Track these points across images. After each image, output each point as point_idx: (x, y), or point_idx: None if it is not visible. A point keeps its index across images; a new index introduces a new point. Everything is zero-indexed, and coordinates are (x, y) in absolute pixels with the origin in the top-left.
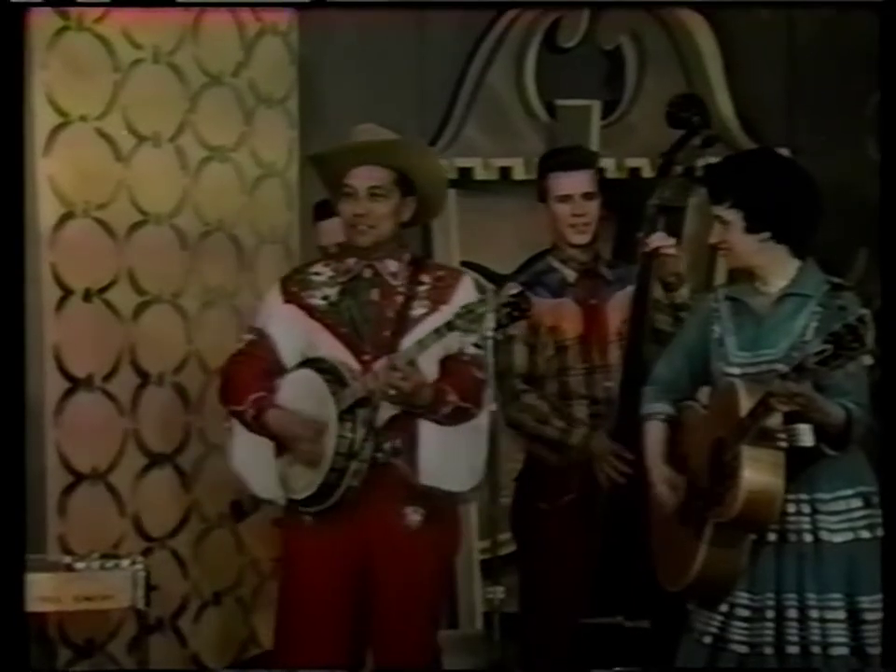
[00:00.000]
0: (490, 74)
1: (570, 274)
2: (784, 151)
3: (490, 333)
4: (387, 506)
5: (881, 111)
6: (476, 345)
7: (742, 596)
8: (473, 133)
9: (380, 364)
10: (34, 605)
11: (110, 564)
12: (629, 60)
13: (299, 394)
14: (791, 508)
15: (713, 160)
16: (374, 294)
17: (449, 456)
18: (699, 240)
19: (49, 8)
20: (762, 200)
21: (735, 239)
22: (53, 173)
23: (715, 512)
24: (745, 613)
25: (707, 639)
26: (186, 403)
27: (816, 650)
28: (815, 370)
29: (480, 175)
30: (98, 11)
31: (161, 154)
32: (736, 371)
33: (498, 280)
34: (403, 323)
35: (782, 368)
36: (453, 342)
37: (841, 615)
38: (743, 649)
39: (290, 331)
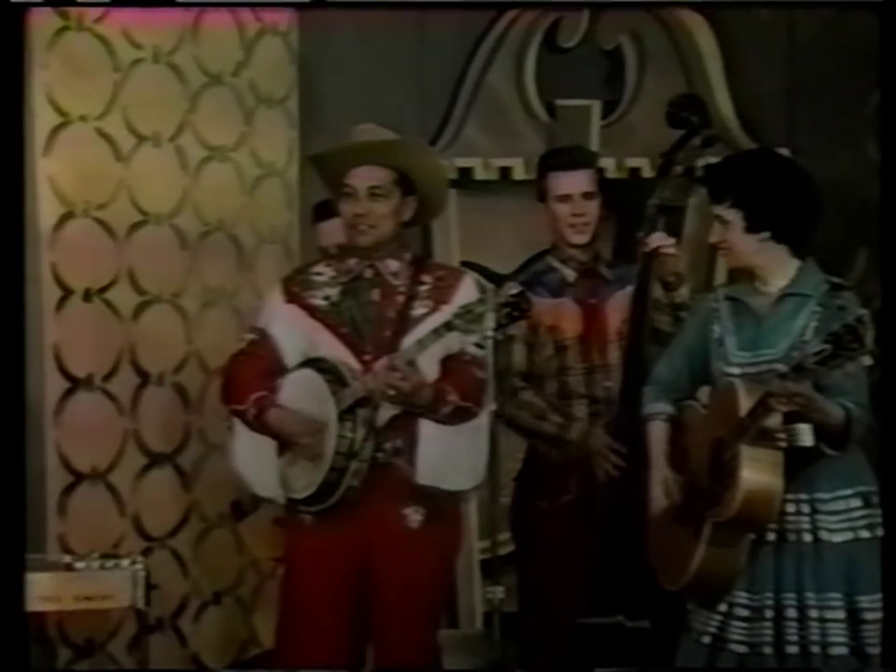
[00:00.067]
0: (490, 74)
1: (570, 274)
2: (784, 151)
3: (490, 333)
4: (388, 506)
5: (881, 111)
6: (477, 345)
7: (741, 596)
8: (473, 132)
9: (380, 364)
10: (34, 604)
11: (110, 563)
12: (629, 60)
13: (299, 394)
14: (791, 507)
15: (713, 159)
16: (375, 294)
17: (449, 456)
18: (699, 240)
19: (48, 8)
20: (762, 200)
21: (735, 239)
22: (53, 173)
23: (714, 512)
24: (744, 613)
25: (707, 639)
26: (186, 403)
27: (815, 649)
28: (814, 370)
29: (480, 174)
30: (98, 11)
31: (161, 154)
32: (736, 370)
33: (498, 280)
34: (404, 323)
35: (782, 368)
36: (453, 341)
37: (840, 615)
38: (742, 648)
39: (291, 331)
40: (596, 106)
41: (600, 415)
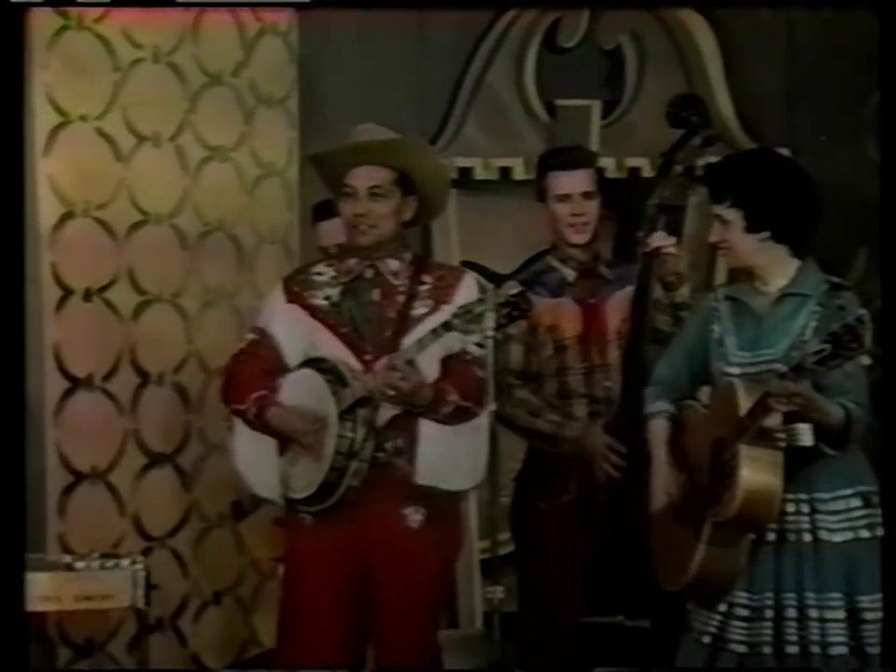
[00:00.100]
0: (490, 74)
1: (570, 274)
2: (784, 151)
3: (491, 333)
4: (388, 506)
5: (881, 111)
6: (478, 345)
7: (741, 596)
8: (473, 132)
9: (380, 364)
10: (34, 604)
11: (110, 563)
12: (629, 60)
13: (299, 393)
14: (791, 507)
15: (713, 159)
16: (375, 294)
17: (449, 456)
18: (699, 239)
19: (48, 8)
20: (762, 199)
21: (735, 238)
22: (53, 172)
23: (714, 512)
24: (744, 613)
25: (707, 639)
26: (186, 403)
27: (815, 649)
28: (813, 369)
29: (480, 174)
30: (98, 11)
31: (161, 154)
32: (736, 370)
33: (498, 280)
34: (404, 323)
35: (781, 368)
36: (454, 341)
37: (840, 615)
38: (742, 648)
39: (292, 331)
40: (596, 106)
41: (600, 415)
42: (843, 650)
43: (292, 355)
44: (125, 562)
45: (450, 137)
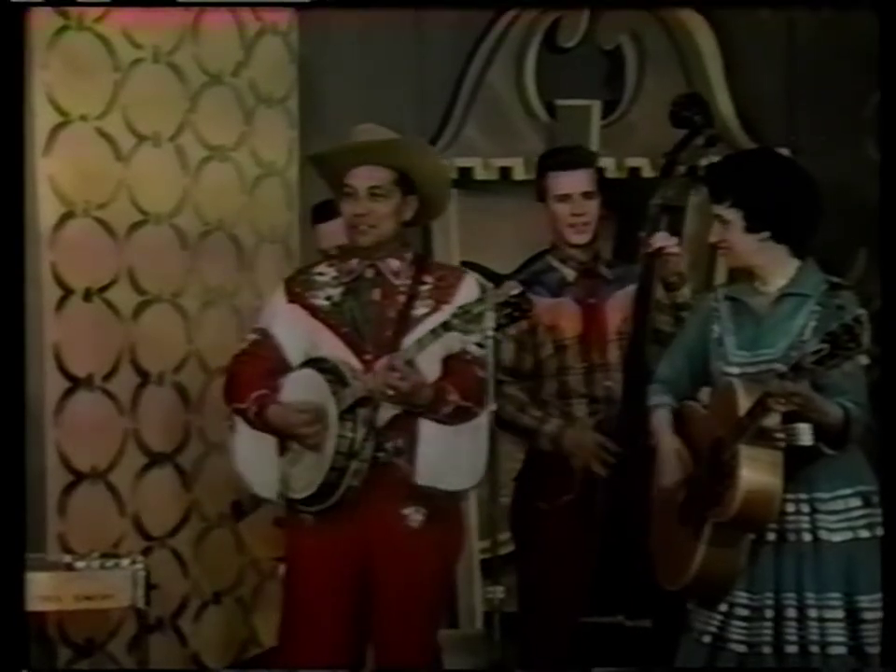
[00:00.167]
0: (490, 73)
1: (570, 274)
2: (784, 151)
3: (491, 333)
4: (389, 506)
5: (881, 111)
6: (478, 345)
7: (741, 596)
8: (473, 132)
9: (379, 364)
10: (34, 604)
11: (110, 563)
12: (629, 60)
13: (300, 393)
14: (790, 507)
15: (716, 159)
16: (376, 294)
17: (449, 456)
18: (699, 239)
19: (49, 8)
20: (761, 199)
21: (735, 238)
22: (53, 172)
23: (714, 512)
24: (744, 613)
25: (707, 639)
26: (186, 403)
27: (814, 649)
28: (812, 369)
29: (480, 174)
30: (98, 11)
31: (161, 154)
32: (736, 370)
33: (498, 280)
34: (405, 322)
35: (781, 367)
36: (454, 341)
37: (840, 614)
38: (742, 648)
39: (294, 331)
40: (596, 106)
41: (600, 415)
42: (842, 649)
43: (293, 355)
44: (125, 562)
45: (450, 137)
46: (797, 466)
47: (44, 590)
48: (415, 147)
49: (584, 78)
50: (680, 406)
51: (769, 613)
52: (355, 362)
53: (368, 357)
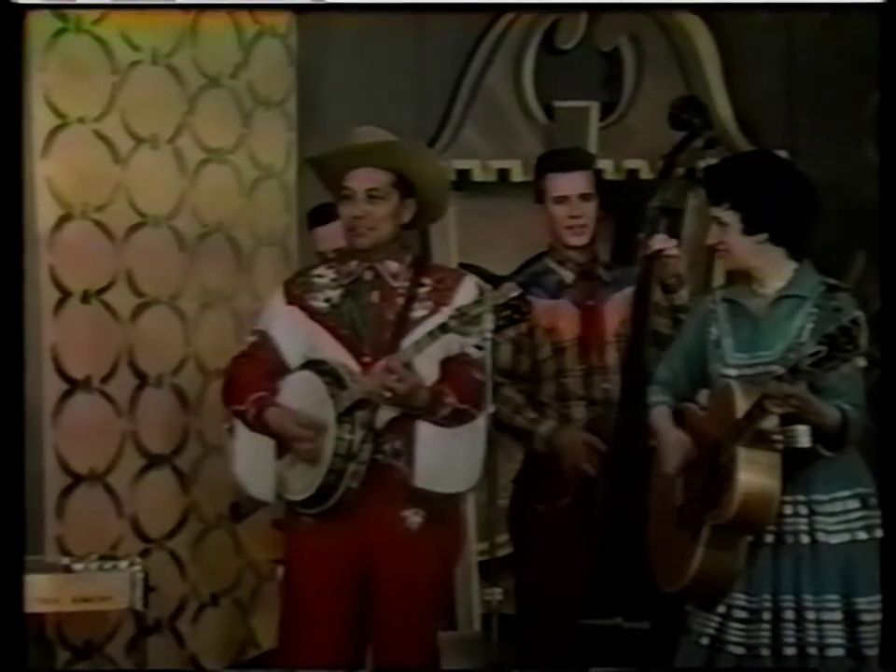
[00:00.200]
0: (488, 75)
1: (568, 276)
2: (783, 153)
3: (489, 335)
4: (388, 507)
5: (880, 113)
6: (477, 347)
7: (739, 598)
8: (471, 134)
9: (377, 366)
10: (32, 606)
11: (108, 565)
12: (627, 61)
13: (299, 396)
14: (788, 509)
15: (714, 161)
16: (375, 296)
17: (447, 459)
18: (698, 242)
19: (47, 10)
20: (759, 201)
21: (733, 240)
22: (51, 174)
23: (712, 514)
24: (742, 615)
25: (705, 641)
26: (184, 405)
27: (812, 651)
28: (809, 371)
29: (478, 176)
30: (96, 13)
31: (160, 156)
32: (733, 372)
33: (496, 282)
34: (404, 325)
35: (778, 369)
36: (453, 343)
37: (837, 616)
38: (740, 650)
39: (292, 333)
40: (595, 108)
41: (599, 417)
42: (840, 651)
43: (292, 357)
44: (123, 564)
45: (448, 139)
46: (795, 468)
47: (42, 592)
48: (413, 149)
49: (583, 80)
50: (679, 408)
51: (767, 615)
52: (353, 364)
53: (366, 359)
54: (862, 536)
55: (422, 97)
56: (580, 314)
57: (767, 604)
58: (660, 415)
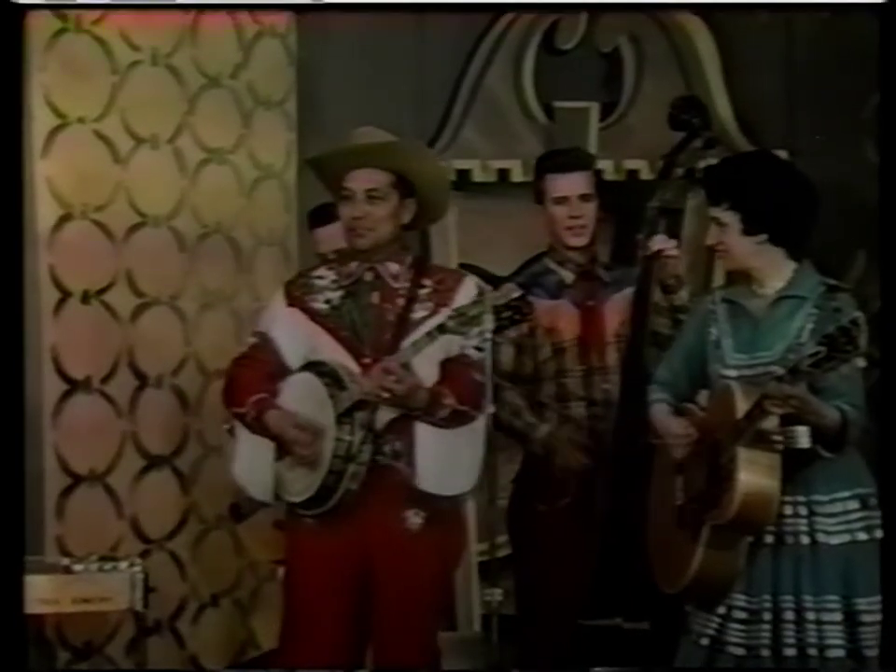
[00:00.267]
0: (488, 76)
1: (568, 276)
2: (783, 153)
3: (489, 336)
4: (388, 508)
5: (879, 113)
6: (477, 348)
7: (739, 599)
8: (471, 134)
9: (376, 367)
10: (32, 607)
11: (108, 566)
12: (627, 62)
13: (299, 397)
14: (788, 510)
15: (714, 162)
16: (375, 297)
17: (445, 460)
18: (697, 242)
19: (47, 10)
20: (759, 202)
21: (732, 241)
22: (51, 174)
23: (712, 515)
24: (742, 615)
25: (705, 641)
26: (184, 405)
27: (812, 652)
28: (809, 372)
29: (478, 177)
30: (96, 13)
31: (160, 156)
32: (733, 373)
33: (496, 282)
34: (404, 325)
35: (778, 370)
36: (453, 344)
37: (837, 617)
38: (740, 651)
39: (293, 335)
40: (594, 108)
41: (599, 418)
42: (840, 652)
43: (293, 358)
44: (123, 564)
45: (448, 139)
46: (795, 468)
47: (42, 593)
48: (413, 149)
49: (582, 80)
50: (678, 408)
51: (767, 616)
52: (353, 366)
53: (367, 360)
54: (862, 536)
55: (422, 97)
56: (579, 314)
57: (767, 604)
58: (660, 411)
